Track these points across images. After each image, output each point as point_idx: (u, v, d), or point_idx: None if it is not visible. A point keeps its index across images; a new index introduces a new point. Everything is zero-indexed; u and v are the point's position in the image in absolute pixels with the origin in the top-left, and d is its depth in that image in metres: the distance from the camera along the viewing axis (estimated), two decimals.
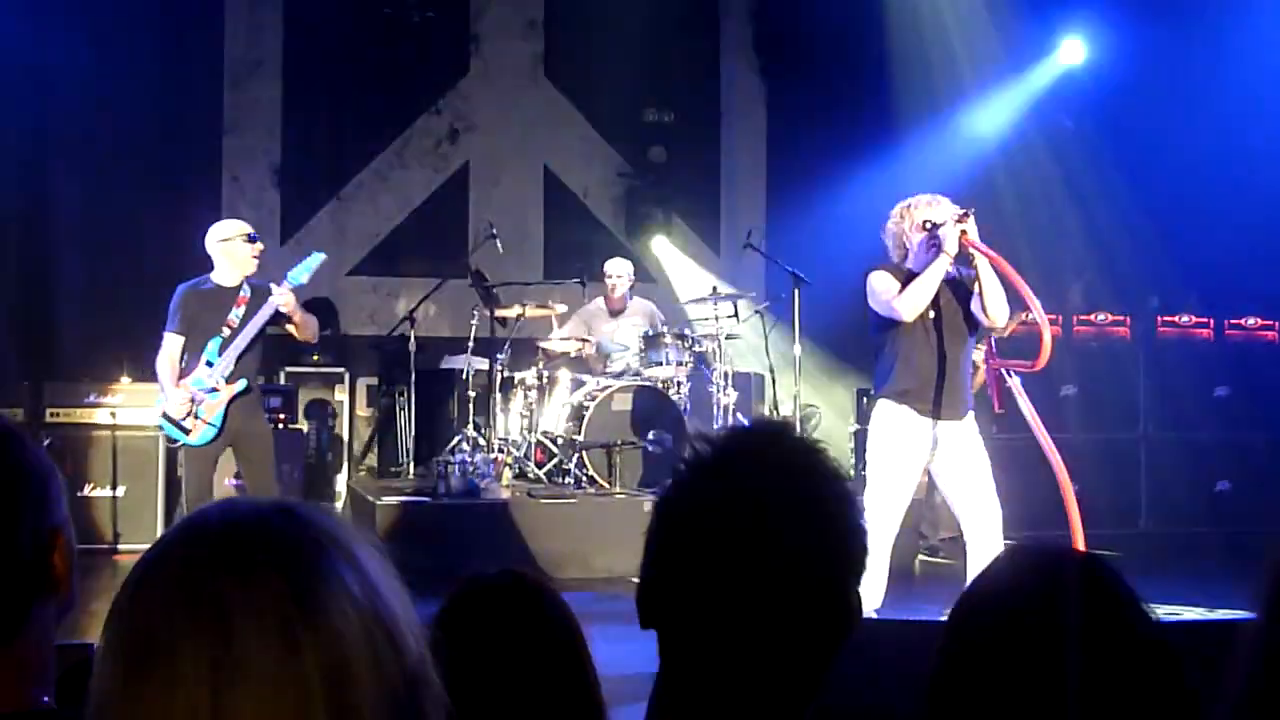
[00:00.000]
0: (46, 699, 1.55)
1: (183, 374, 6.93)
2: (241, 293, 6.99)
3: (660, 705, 1.53)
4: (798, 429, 1.67)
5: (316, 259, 7.19)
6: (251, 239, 7.08)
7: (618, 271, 10.15)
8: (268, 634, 1.04)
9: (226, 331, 6.96)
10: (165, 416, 6.94)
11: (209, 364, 6.94)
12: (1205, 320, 10.52)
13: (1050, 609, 1.44)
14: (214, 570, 1.07)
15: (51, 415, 8.82)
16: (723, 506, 1.46)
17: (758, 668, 1.45)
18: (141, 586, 1.11)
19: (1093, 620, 1.44)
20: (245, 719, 1.03)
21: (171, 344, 6.92)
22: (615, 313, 10.22)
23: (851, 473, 8.83)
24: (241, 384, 6.95)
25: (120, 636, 1.08)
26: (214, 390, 6.90)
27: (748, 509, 1.45)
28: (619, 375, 9.65)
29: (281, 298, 6.92)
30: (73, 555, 1.60)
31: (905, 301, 5.69)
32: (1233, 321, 10.55)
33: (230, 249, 7.03)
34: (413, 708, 1.11)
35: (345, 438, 10.32)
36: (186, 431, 6.89)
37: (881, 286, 5.82)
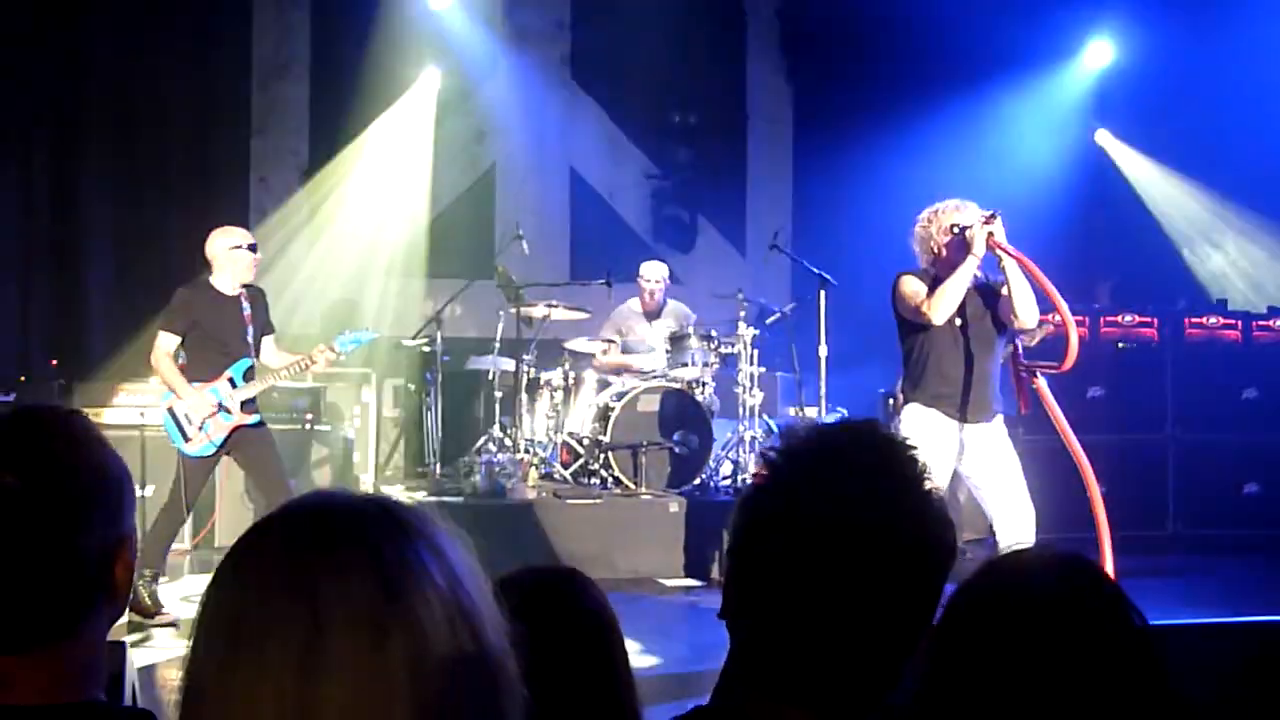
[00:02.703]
0: (101, 696, 1.58)
1: (188, 376, 7.01)
2: (244, 308, 7.09)
3: (728, 691, 1.56)
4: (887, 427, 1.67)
5: (369, 337, 7.50)
6: (253, 248, 7.17)
7: (655, 275, 10.16)
8: (357, 624, 1.07)
9: (254, 358, 7.08)
10: (172, 413, 7.00)
11: (232, 382, 7.02)
12: (1233, 321, 10.44)
13: (1041, 602, 1.48)
14: (307, 560, 1.10)
15: None
16: (812, 500, 1.49)
17: (839, 660, 1.48)
18: (236, 573, 1.14)
19: (1081, 612, 1.47)
20: (332, 706, 1.05)
21: (168, 342, 6.99)
22: (650, 315, 10.22)
23: None
24: (255, 419, 7.07)
25: (214, 620, 1.11)
26: (228, 412, 6.98)
27: (836, 502, 1.48)
28: (646, 376, 9.65)
29: (322, 359, 7.21)
30: (134, 566, 1.62)
31: (935, 305, 5.69)
32: (1261, 323, 10.48)
33: (235, 257, 7.11)
34: (493, 699, 1.13)
35: (372, 438, 10.34)
36: (187, 439, 6.96)
37: (910, 290, 5.83)
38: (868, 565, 1.46)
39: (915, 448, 1.56)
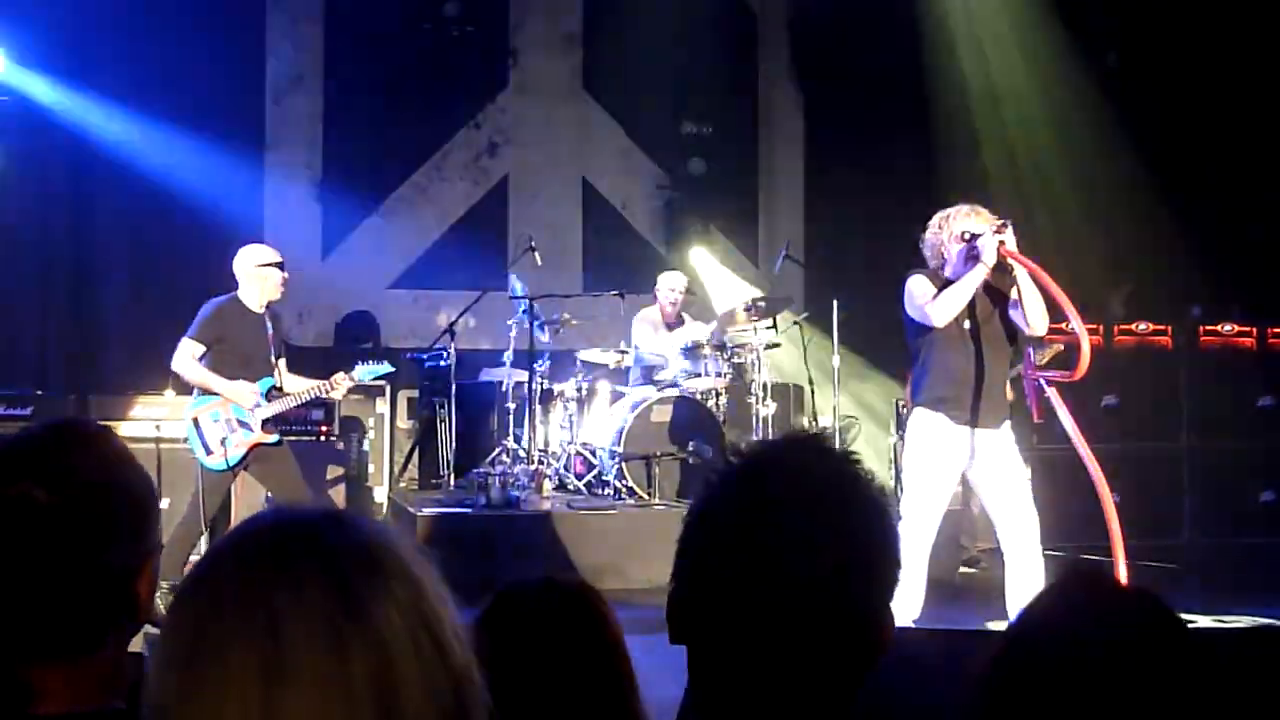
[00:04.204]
0: (122, 704, 1.61)
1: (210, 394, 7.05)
2: (267, 326, 7.13)
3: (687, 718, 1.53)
4: (834, 440, 1.61)
5: (386, 369, 7.61)
6: (280, 267, 7.22)
7: (676, 286, 10.16)
8: (316, 638, 1.08)
9: (275, 377, 7.11)
10: (196, 424, 7.04)
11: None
12: (1248, 329, 10.41)
13: (1108, 654, 1.40)
14: (265, 576, 1.11)
15: None
16: (754, 519, 1.45)
17: (787, 684, 1.43)
18: (196, 591, 1.14)
19: (1149, 660, 1.40)
20: (297, 717, 1.06)
21: (192, 349, 7.03)
22: (670, 326, 10.22)
23: (890, 484, 8.80)
24: (274, 439, 7.09)
25: (175, 639, 1.12)
26: (249, 429, 7.01)
27: (779, 521, 1.44)
28: (659, 387, 9.65)
29: (341, 388, 7.31)
30: (156, 582, 1.65)
31: (939, 306, 5.69)
32: (1275, 330, 10.44)
33: (265, 274, 7.16)
34: (457, 711, 1.13)
35: (386, 450, 10.37)
36: (209, 452, 6.99)
37: (919, 290, 5.83)
38: (803, 585, 1.41)
39: (861, 459, 1.53)
